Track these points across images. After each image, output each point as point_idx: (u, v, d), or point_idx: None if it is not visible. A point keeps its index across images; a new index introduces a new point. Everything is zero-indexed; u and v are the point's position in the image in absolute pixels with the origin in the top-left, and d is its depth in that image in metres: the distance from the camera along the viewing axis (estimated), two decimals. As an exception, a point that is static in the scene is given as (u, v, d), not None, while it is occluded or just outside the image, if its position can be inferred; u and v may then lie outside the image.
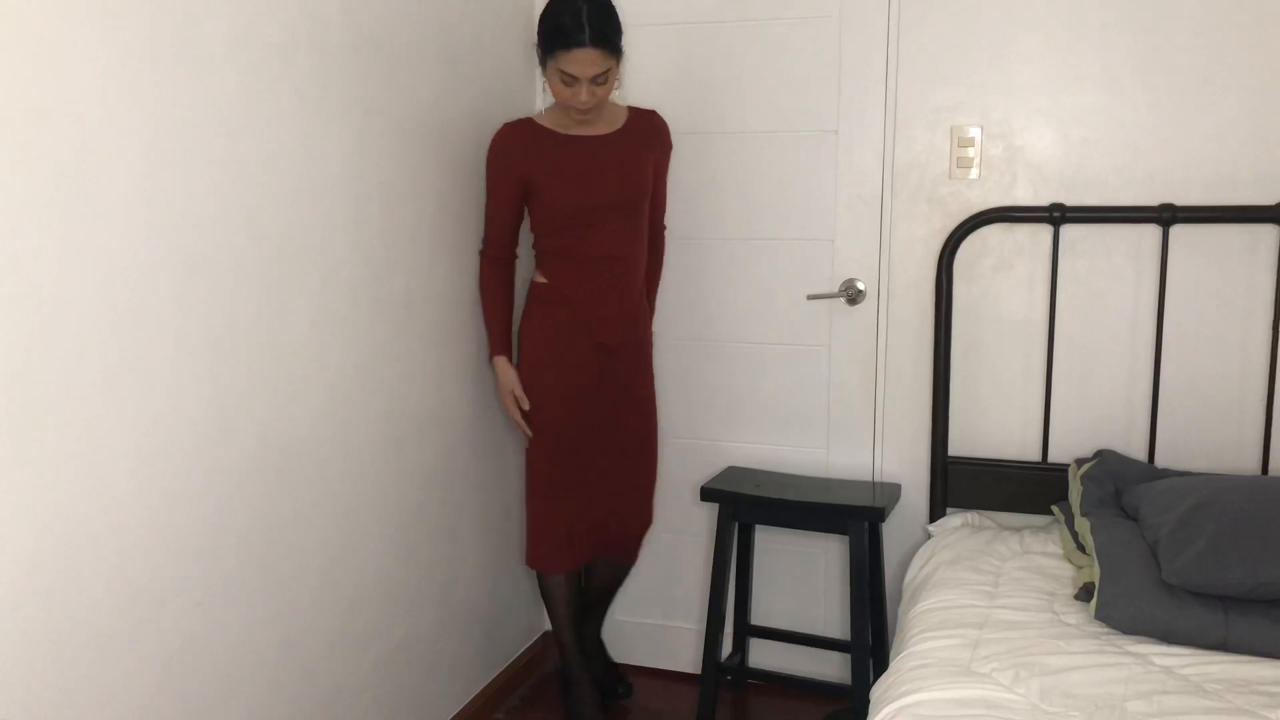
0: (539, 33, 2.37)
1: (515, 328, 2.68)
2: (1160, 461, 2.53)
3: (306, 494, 2.06)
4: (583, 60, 2.30)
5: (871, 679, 2.50)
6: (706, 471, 2.92)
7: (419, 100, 2.37)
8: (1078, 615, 2.05)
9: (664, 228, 2.77)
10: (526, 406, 2.58)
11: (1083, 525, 2.24)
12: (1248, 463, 2.48)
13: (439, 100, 2.45)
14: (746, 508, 2.68)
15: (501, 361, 2.61)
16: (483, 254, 2.62)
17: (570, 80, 2.33)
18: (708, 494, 2.69)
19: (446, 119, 2.49)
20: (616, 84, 2.44)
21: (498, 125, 2.71)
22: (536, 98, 2.95)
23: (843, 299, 2.76)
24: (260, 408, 1.91)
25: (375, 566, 2.31)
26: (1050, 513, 2.54)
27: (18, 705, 1.48)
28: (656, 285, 2.81)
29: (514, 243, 2.61)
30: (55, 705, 1.54)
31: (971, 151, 2.60)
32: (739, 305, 2.87)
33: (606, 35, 2.31)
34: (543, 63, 2.38)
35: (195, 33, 1.71)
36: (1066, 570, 2.27)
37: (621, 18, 2.41)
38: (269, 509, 1.96)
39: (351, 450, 2.19)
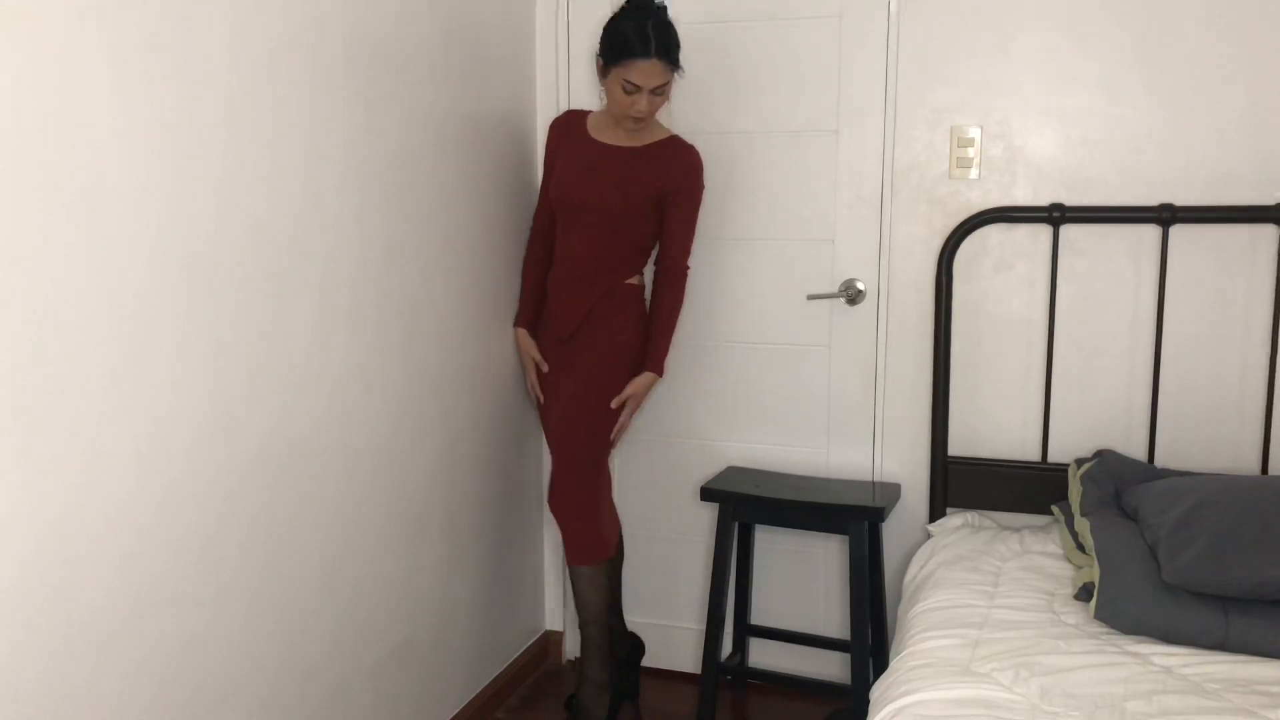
0: (604, 43, 2.47)
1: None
2: (1160, 461, 2.53)
3: (308, 494, 2.06)
4: (646, 71, 2.43)
5: (871, 679, 2.51)
6: (706, 471, 2.92)
7: (420, 99, 2.37)
8: (1078, 615, 2.05)
9: (685, 269, 2.65)
10: (546, 369, 2.74)
11: (1083, 525, 2.24)
12: (1247, 463, 2.48)
13: (440, 99, 2.45)
14: (746, 508, 2.68)
15: (518, 332, 2.82)
16: (532, 221, 2.84)
17: (632, 89, 2.45)
18: (708, 494, 2.69)
19: (447, 118, 2.49)
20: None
21: (498, 123, 2.73)
22: (537, 97, 2.95)
23: (843, 299, 2.76)
24: (262, 408, 1.91)
25: (375, 566, 2.31)
26: (1050, 513, 2.54)
27: (19, 705, 1.48)
28: (664, 329, 2.65)
29: (552, 215, 2.73)
30: (56, 705, 1.54)
31: (971, 151, 2.60)
32: (739, 305, 2.87)
33: (669, 49, 2.45)
34: (604, 71, 2.49)
35: (195, 33, 1.71)
36: (1066, 570, 2.27)
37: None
38: (270, 509, 1.96)
39: (353, 450, 2.19)
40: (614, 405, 2.62)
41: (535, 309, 2.80)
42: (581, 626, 2.72)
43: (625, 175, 2.58)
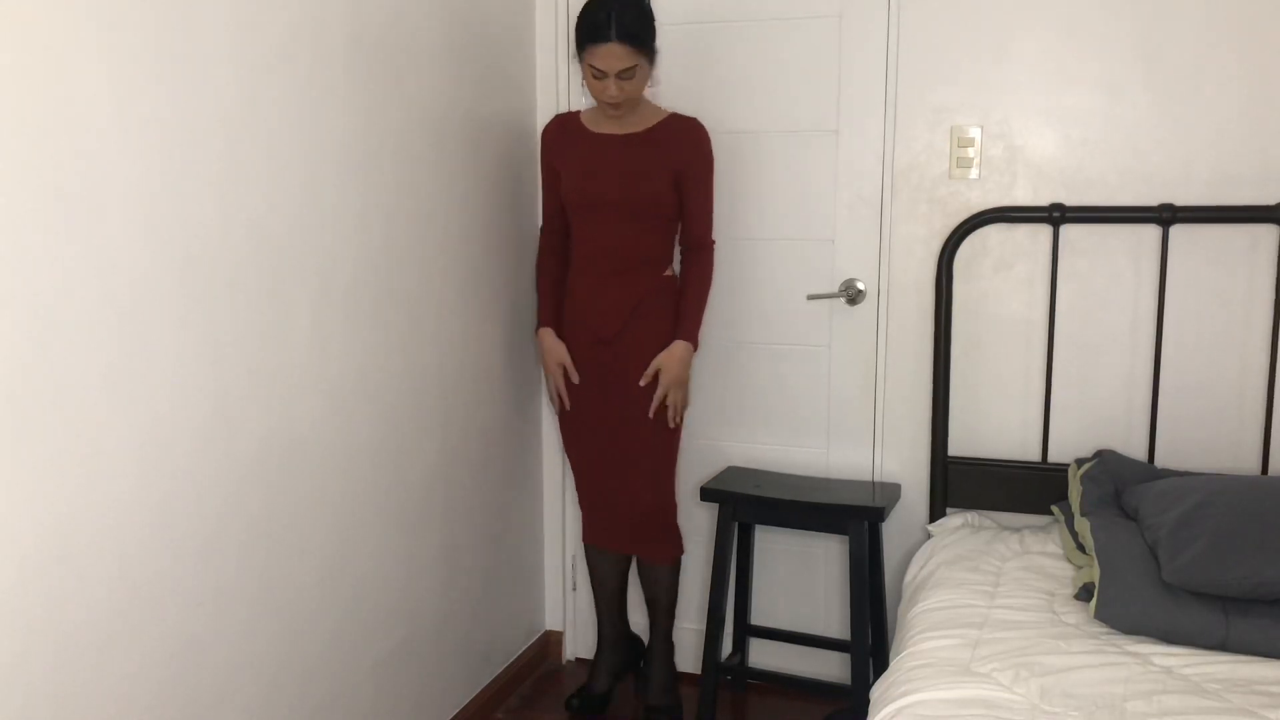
0: (575, 29, 2.46)
1: None
2: (1160, 461, 2.53)
3: (307, 494, 2.06)
4: (609, 54, 2.39)
5: (871, 679, 2.51)
6: (706, 471, 2.92)
7: (420, 99, 2.37)
8: (1077, 615, 2.05)
9: (710, 243, 2.65)
10: (576, 380, 2.67)
11: (1083, 525, 2.24)
12: (1248, 463, 2.48)
13: (440, 99, 2.45)
14: (746, 508, 2.68)
15: (544, 333, 2.72)
16: (540, 231, 2.82)
17: (599, 74, 2.43)
18: (708, 494, 2.69)
19: (448, 118, 2.49)
20: (652, 83, 2.53)
21: (498, 124, 2.73)
22: (537, 97, 2.95)
23: (843, 299, 2.76)
24: (261, 408, 1.91)
25: (375, 566, 2.31)
26: (1050, 513, 2.54)
27: (19, 705, 1.48)
28: (694, 300, 2.63)
29: (562, 222, 2.71)
30: (56, 705, 1.54)
31: (971, 151, 2.60)
32: (739, 305, 2.87)
33: (633, 32, 2.40)
34: (579, 59, 2.46)
35: (195, 33, 1.71)
36: (1066, 570, 2.27)
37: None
38: (270, 509, 1.96)
39: (352, 451, 2.19)
40: (642, 383, 2.58)
41: (557, 310, 2.72)
42: (655, 626, 2.83)
43: (632, 164, 2.55)
